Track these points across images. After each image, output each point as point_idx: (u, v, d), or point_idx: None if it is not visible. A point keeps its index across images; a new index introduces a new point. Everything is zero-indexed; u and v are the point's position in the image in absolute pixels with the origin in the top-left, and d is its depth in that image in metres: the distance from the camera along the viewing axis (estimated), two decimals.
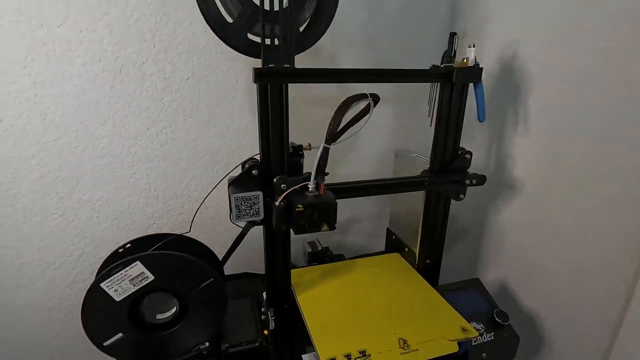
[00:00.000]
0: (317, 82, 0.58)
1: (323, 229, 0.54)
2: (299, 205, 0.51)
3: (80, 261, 0.80)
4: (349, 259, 0.88)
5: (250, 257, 0.85)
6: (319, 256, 0.87)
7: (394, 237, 0.86)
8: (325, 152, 0.53)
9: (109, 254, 0.64)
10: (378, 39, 0.86)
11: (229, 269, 0.71)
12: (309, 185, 0.55)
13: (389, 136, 0.95)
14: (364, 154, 0.95)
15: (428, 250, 0.75)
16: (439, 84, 0.65)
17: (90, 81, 0.70)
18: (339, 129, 0.53)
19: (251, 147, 0.81)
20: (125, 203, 0.80)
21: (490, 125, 0.82)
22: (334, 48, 0.83)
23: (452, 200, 0.71)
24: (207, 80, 0.78)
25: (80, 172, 0.75)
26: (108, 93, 0.72)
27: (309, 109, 0.84)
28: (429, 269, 0.76)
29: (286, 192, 0.53)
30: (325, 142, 0.53)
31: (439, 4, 0.89)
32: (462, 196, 0.70)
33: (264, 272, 0.75)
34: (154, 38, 0.72)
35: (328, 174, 0.56)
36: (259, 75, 0.53)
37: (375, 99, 0.58)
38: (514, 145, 0.77)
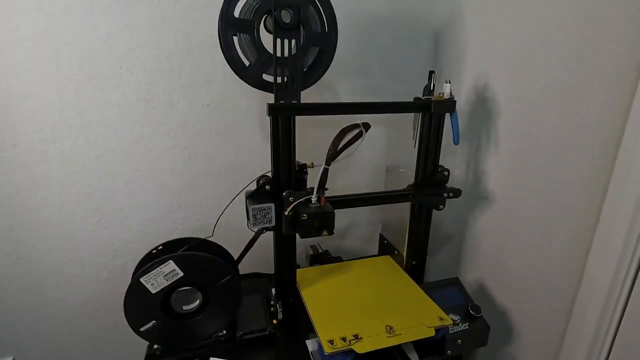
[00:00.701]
0: (321, 114, 0.71)
1: (323, 234, 0.66)
2: (304, 215, 0.64)
3: (113, 261, 0.93)
4: (346, 260, 1.00)
5: (258, 259, 0.97)
6: (319, 258, 0.99)
7: (385, 241, 0.99)
8: (325, 172, 0.66)
9: (138, 254, 0.76)
10: (370, 69, 1.00)
11: (240, 269, 0.83)
12: (312, 198, 0.67)
13: (381, 153, 1.08)
14: (359, 168, 1.08)
15: (414, 253, 0.87)
16: (420, 113, 0.78)
17: (127, 108, 0.83)
18: (336, 151, 0.65)
19: (261, 162, 0.94)
20: (152, 211, 0.92)
21: (468, 144, 0.95)
22: (332, 78, 0.96)
23: (434, 210, 0.84)
24: (224, 107, 0.91)
25: (115, 185, 0.88)
26: (141, 118, 0.85)
27: (311, 130, 0.98)
28: (415, 269, 0.88)
29: (294, 204, 0.66)
30: (325, 164, 0.65)
31: (423, 39, 1.03)
32: (441, 206, 0.82)
33: (271, 272, 0.87)
34: (180, 72, 0.85)
35: (327, 189, 0.68)
36: (272, 110, 0.66)
37: (366, 127, 0.71)
38: (488, 162, 0.90)
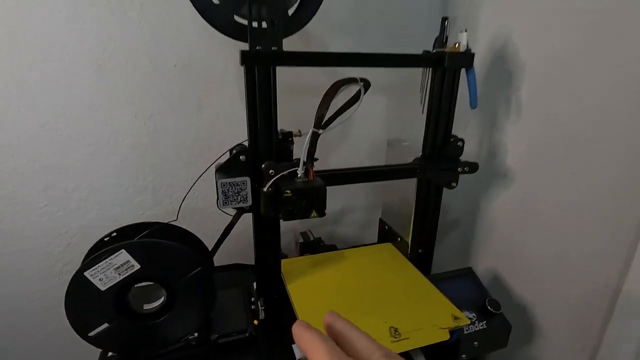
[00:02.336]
0: (306, 65, 0.57)
1: (312, 215, 0.53)
2: (287, 191, 0.50)
3: (67, 252, 0.79)
4: (341, 249, 0.87)
5: (241, 249, 0.84)
6: (310, 247, 0.86)
7: (386, 227, 0.86)
8: (314, 137, 0.52)
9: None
10: (367, 26, 0.85)
11: (219, 260, 0.70)
12: (297, 171, 0.54)
13: (381, 125, 0.94)
14: (355, 143, 0.94)
15: (420, 240, 0.75)
16: (430, 70, 0.64)
17: (72, 65, 0.68)
18: (330, 116, 0.51)
19: (243, 136, 0.80)
20: (112, 193, 0.78)
21: (482, 113, 0.81)
22: (323, 35, 0.81)
23: (444, 190, 0.71)
24: (197, 68, 0.76)
25: (66, 160, 0.73)
26: (92, 79, 0.70)
27: (298, 98, 0.83)
28: (421, 258, 0.76)
29: (274, 178, 0.52)
30: (314, 127, 0.52)
31: None
32: (454, 184, 0.69)
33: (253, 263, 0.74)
34: (140, 22, 0.70)
35: (317, 159, 0.55)
36: (245, 58, 0.51)
37: (366, 84, 0.57)
38: (506, 133, 0.77)
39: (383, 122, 0.94)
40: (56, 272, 0.79)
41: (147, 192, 0.81)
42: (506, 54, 0.74)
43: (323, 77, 0.85)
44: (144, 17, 0.70)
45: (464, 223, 0.91)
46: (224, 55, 0.77)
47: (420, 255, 0.76)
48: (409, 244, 0.76)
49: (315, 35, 0.80)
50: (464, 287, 0.72)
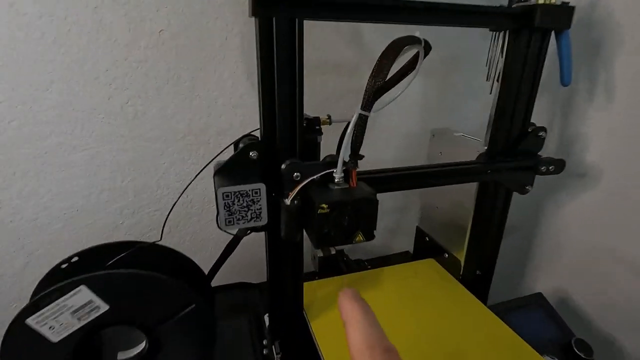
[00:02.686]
0: (346, 19, 0.39)
1: (356, 239, 0.36)
2: (323, 205, 0.33)
3: (24, 273, 0.62)
4: (368, 264, 0.71)
5: (245, 263, 0.67)
6: (332, 262, 0.69)
7: (427, 238, 0.69)
8: (361, 123, 0.35)
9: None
10: None
11: (217, 277, 0.53)
12: (334, 174, 0.37)
13: (416, 112, 0.77)
14: (384, 135, 0.77)
15: (479, 258, 0.58)
16: (506, 34, 0.47)
17: (22, 27, 0.50)
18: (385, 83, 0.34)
19: (248, 126, 0.63)
20: (81, 197, 0.61)
21: (552, 93, 0.64)
22: None
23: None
24: (188, 35, 0.58)
25: (17, 156, 0.56)
26: (48, 47, 0.52)
27: (320, 79, 0.66)
28: (478, 283, 0.59)
29: (302, 184, 0.35)
30: (363, 108, 0.34)
31: None
32: (528, 187, 0.52)
33: (262, 281, 0.58)
34: None
35: (363, 157, 0.38)
36: (258, 4, 0.34)
37: (427, 47, 0.39)
38: (588, 121, 0.60)
39: (419, 107, 0.76)
40: (12, 299, 0.62)
41: (128, 196, 0.64)
42: (594, 17, 0.57)
43: (349, 51, 0.68)
44: None
45: (522, 232, 0.74)
46: (223, 22, 0.59)
47: (477, 279, 0.59)
48: (462, 262, 0.60)
49: None
50: (535, 320, 0.56)
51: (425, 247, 0.69)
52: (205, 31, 0.59)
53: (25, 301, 0.56)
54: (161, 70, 0.59)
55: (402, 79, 0.40)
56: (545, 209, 0.69)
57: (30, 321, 0.38)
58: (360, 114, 0.34)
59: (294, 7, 0.35)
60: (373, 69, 0.34)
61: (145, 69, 0.58)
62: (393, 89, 0.38)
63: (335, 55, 0.67)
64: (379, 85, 0.34)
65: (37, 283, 0.45)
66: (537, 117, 0.66)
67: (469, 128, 0.63)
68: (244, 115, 0.65)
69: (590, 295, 0.63)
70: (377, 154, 0.77)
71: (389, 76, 0.36)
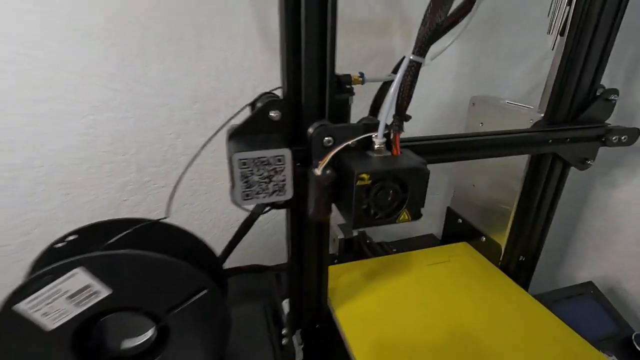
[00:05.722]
0: None
1: (402, 217, 0.29)
2: (364, 176, 0.26)
3: (23, 252, 0.57)
4: (392, 246, 0.65)
5: (260, 244, 0.62)
6: (354, 245, 0.64)
7: (459, 220, 0.62)
8: (413, 72, 0.28)
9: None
10: None
11: (229, 259, 0.48)
12: (374, 139, 0.30)
13: (450, 80, 0.68)
14: (411, 105, 0.69)
15: (523, 243, 0.51)
16: None
17: None
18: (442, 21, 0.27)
19: (262, 90, 0.56)
20: (80, 172, 0.55)
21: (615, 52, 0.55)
22: None
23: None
24: None
25: (6, 124, 0.50)
26: None
27: (345, 39, 0.58)
28: (520, 269, 0.53)
29: (335, 150, 0.29)
30: (417, 53, 0.27)
31: None
32: (590, 162, 0.45)
33: (279, 263, 0.53)
34: None
35: (410, 117, 0.31)
36: None
37: None
38: None
39: (452, 74, 0.68)
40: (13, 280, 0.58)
41: (130, 170, 0.58)
42: None
43: (377, 7, 0.59)
44: None
45: (566, 215, 0.67)
46: None
47: (520, 265, 0.52)
48: (503, 247, 0.53)
49: None
50: (587, 312, 0.50)
51: (458, 230, 0.63)
52: None
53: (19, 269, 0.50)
54: (158, 24, 0.51)
55: (454, 25, 0.32)
56: (594, 190, 0.61)
57: (20, 307, 0.33)
58: (411, 60, 0.27)
59: None
60: (430, 3, 0.27)
61: (144, 22, 0.50)
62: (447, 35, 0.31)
63: (362, 9, 0.58)
64: (439, 23, 0.26)
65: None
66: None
67: (511, 97, 0.55)
68: (257, 78, 0.58)
69: None
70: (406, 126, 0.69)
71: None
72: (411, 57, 0.27)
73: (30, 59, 0.47)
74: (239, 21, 0.54)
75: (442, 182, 0.78)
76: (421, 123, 0.71)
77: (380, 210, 0.28)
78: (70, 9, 0.47)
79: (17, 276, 0.55)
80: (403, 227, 0.82)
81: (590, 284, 0.53)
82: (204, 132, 0.60)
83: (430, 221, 0.79)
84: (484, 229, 0.57)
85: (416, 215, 0.30)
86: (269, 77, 0.57)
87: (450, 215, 0.65)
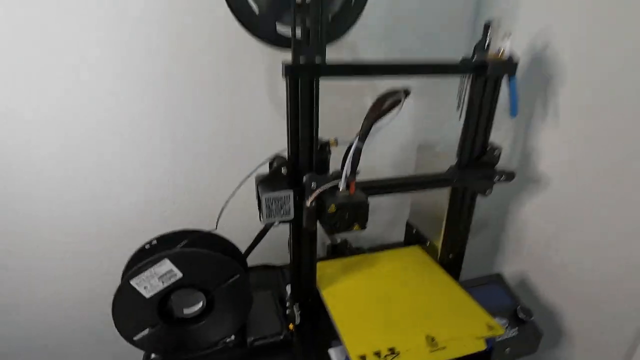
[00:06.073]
0: (350, 76, 0.56)
1: (354, 228, 0.53)
2: (332, 206, 0.50)
3: (111, 252, 0.81)
4: (367, 250, 0.88)
5: (267, 249, 0.85)
6: (338, 249, 0.87)
7: (414, 230, 0.86)
8: (357, 152, 0.52)
9: (131, 249, 0.63)
10: (401, 29, 0.83)
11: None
12: (339, 185, 0.54)
13: (410, 128, 0.93)
14: (381, 146, 0.93)
15: (451, 245, 0.75)
16: (470, 76, 0.63)
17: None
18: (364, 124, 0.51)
19: (271, 139, 0.80)
20: (142, 198, 0.79)
21: (517, 118, 0.79)
22: (355, 40, 0.79)
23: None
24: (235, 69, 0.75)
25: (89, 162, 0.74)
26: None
27: (328, 99, 0.82)
28: (452, 264, 0.76)
29: (317, 192, 0.52)
30: (359, 141, 0.51)
31: None
32: (489, 191, 0.69)
33: (283, 264, 0.76)
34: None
35: (359, 172, 0.55)
36: (289, 71, 0.51)
37: (407, 93, 0.56)
38: (541, 139, 0.75)
39: (411, 125, 0.93)
40: (98, 275, 0.82)
41: (174, 198, 0.82)
42: (545, 56, 0.72)
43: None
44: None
45: (492, 226, 0.91)
46: (252, 54, 0.75)
47: (451, 261, 0.76)
48: (439, 248, 0.77)
49: (347, 41, 0.79)
50: (494, 293, 0.73)
51: (413, 236, 0.86)
52: (238, 60, 0.75)
53: (108, 276, 0.76)
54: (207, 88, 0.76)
55: (387, 113, 0.56)
56: (510, 209, 0.85)
57: (133, 282, 0.56)
58: (357, 146, 0.51)
59: (313, 71, 0.51)
60: (366, 117, 0.51)
61: (190, 89, 0.75)
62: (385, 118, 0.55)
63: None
64: (369, 128, 0.50)
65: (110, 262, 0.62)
66: (505, 133, 0.82)
67: (452, 142, 0.79)
68: (267, 129, 0.82)
69: (542, 276, 0.80)
70: (375, 162, 0.93)
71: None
72: (357, 144, 0.51)
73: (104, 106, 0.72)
74: (258, 95, 0.78)
75: (407, 203, 1.02)
76: (390, 159, 0.95)
77: (342, 225, 0.52)
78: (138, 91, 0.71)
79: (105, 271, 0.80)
80: (380, 237, 1.05)
81: (499, 274, 0.76)
82: (228, 167, 0.83)
83: (398, 231, 1.02)
84: (428, 236, 0.81)
85: (363, 227, 0.53)
86: (277, 128, 0.82)
87: (409, 227, 0.88)
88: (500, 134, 0.83)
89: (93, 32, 0.65)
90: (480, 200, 0.87)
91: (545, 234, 0.77)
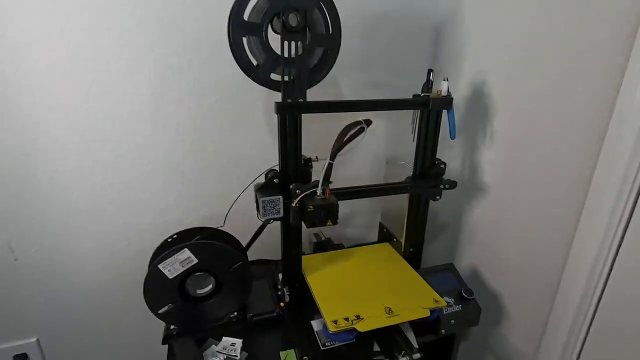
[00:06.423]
0: (325, 112, 0.75)
1: (328, 223, 0.71)
2: (311, 207, 0.69)
3: (128, 249, 0.98)
4: (347, 247, 1.06)
5: (264, 246, 1.02)
6: (322, 245, 1.05)
7: (385, 229, 1.04)
8: (329, 167, 0.71)
9: (152, 242, 0.81)
10: (372, 64, 1.03)
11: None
12: (317, 191, 0.72)
13: (381, 145, 1.12)
14: (360, 160, 1.12)
15: (412, 241, 0.93)
16: (419, 110, 0.82)
17: (138, 105, 0.87)
18: (340, 147, 0.70)
19: (266, 155, 0.98)
20: (163, 202, 0.98)
21: (464, 138, 0.99)
22: (334, 73, 0.98)
23: (432, 200, 0.89)
24: (232, 103, 0.94)
25: (128, 177, 0.92)
26: (153, 114, 0.89)
27: (314, 125, 1.02)
28: (413, 256, 0.94)
29: (300, 196, 0.71)
30: (330, 159, 0.70)
31: (424, 35, 1.06)
32: (438, 197, 0.87)
33: (276, 259, 0.93)
34: (190, 68, 0.89)
35: (332, 182, 0.73)
36: (280, 109, 0.70)
37: (368, 123, 0.75)
38: (483, 156, 0.95)
39: (383, 143, 1.12)
40: (118, 265, 0.99)
41: (190, 201, 1.00)
42: (483, 91, 0.92)
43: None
44: (193, 65, 0.88)
45: (451, 227, 1.09)
46: (253, 95, 0.95)
47: (412, 253, 0.94)
48: (403, 243, 0.95)
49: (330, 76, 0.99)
50: (446, 278, 0.91)
51: (384, 235, 1.05)
52: (243, 99, 0.95)
53: (128, 266, 0.95)
54: (212, 124, 0.95)
55: (355, 138, 0.75)
56: (463, 212, 1.03)
57: (160, 266, 0.74)
58: (329, 163, 0.70)
59: (298, 109, 0.71)
60: (335, 141, 0.70)
61: (204, 124, 0.94)
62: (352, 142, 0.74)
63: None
64: (337, 150, 0.69)
65: (135, 255, 0.80)
66: (457, 151, 1.01)
67: (412, 157, 0.98)
68: (264, 148, 1.01)
69: (486, 267, 0.98)
70: (355, 173, 1.12)
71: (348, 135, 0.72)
72: (329, 161, 0.70)
73: (123, 129, 0.91)
74: (257, 122, 0.98)
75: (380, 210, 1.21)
76: (367, 170, 1.14)
77: (318, 221, 0.70)
78: (173, 124, 0.91)
79: (121, 264, 0.98)
80: (360, 237, 1.23)
81: (451, 264, 0.94)
82: (232, 178, 1.02)
83: (374, 232, 1.21)
84: (395, 234, 0.99)
85: (335, 222, 0.72)
86: (271, 148, 1.01)
87: (381, 227, 1.07)
88: (454, 151, 1.03)
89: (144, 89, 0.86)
90: (442, 206, 1.06)
91: (489, 231, 0.96)
